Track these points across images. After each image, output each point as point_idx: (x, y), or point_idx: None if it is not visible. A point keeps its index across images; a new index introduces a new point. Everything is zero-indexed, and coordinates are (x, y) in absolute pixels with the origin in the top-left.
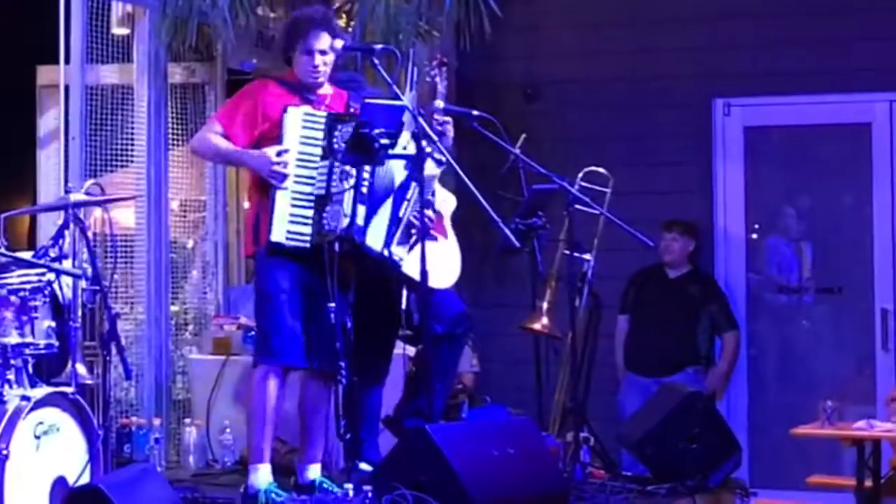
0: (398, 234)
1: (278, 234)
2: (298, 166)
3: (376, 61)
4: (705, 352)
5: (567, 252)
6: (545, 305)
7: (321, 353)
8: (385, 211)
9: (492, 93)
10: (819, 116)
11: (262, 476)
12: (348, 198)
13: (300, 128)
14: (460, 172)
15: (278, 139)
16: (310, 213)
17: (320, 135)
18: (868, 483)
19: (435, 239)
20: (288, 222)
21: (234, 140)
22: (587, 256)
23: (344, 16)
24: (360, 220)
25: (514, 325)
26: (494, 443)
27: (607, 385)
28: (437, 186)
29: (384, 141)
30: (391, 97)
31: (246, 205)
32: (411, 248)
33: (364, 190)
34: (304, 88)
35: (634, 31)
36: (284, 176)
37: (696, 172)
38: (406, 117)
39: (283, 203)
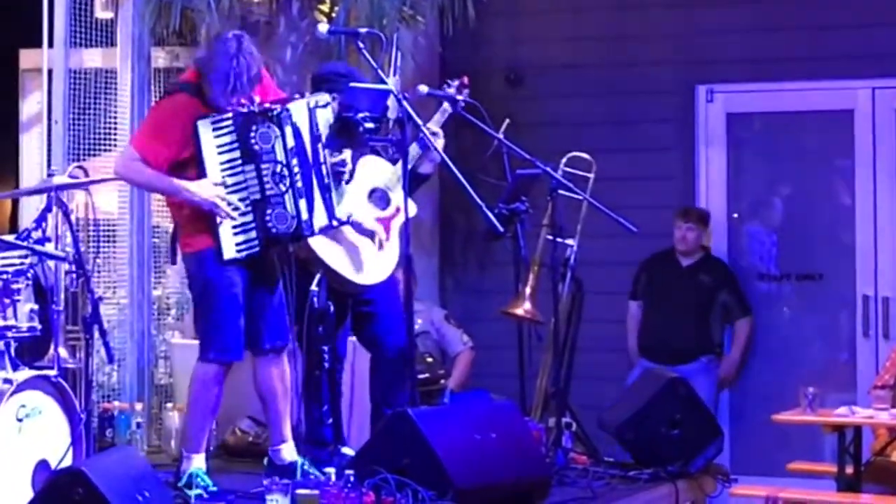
0: (334, 196)
1: (229, 251)
2: (227, 176)
3: (361, 45)
4: (718, 340)
5: (550, 237)
6: (528, 291)
7: (270, 331)
8: (316, 191)
9: (476, 78)
10: (802, 103)
11: (195, 463)
12: (289, 199)
13: (213, 138)
14: (444, 158)
15: (196, 155)
16: (250, 218)
17: (233, 136)
18: (849, 469)
19: (369, 235)
20: (233, 235)
21: (153, 162)
22: (570, 242)
23: (328, 1)
24: (304, 216)
25: (497, 310)
26: (477, 427)
27: (590, 370)
28: (399, 191)
29: (368, 125)
30: (376, 81)
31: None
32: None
33: (299, 184)
34: (204, 92)
35: (618, 17)
36: (227, 212)
37: (678, 158)
38: (391, 101)
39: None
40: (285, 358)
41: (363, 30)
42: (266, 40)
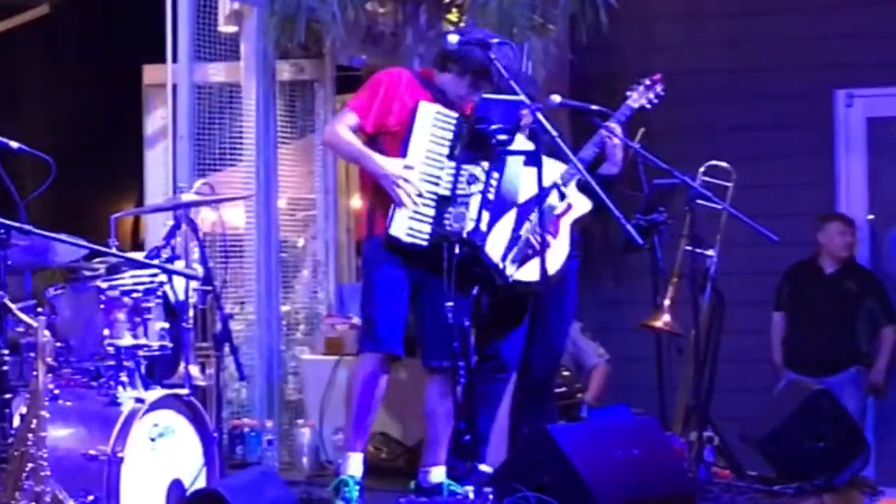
0: (514, 252)
1: (398, 229)
2: (426, 164)
3: (492, 55)
4: (866, 349)
5: (689, 248)
6: (667, 303)
7: (440, 350)
8: (507, 224)
9: (609, 86)
10: None
11: (351, 465)
12: (475, 202)
13: (431, 125)
14: (581, 169)
15: (405, 133)
16: (431, 211)
17: (450, 135)
18: None
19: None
20: (409, 219)
21: (367, 124)
22: (710, 252)
23: (455, 10)
24: (483, 226)
25: (636, 322)
26: (618, 443)
27: (731, 383)
28: (572, 187)
29: (502, 137)
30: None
31: (355, 199)
32: (520, 266)
33: (490, 196)
34: (439, 90)
35: (753, 22)
36: (403, 198)
37: (818, 164)
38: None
39: None
40: (452, 380)
41: (494, 40)
42: (392, 51)
